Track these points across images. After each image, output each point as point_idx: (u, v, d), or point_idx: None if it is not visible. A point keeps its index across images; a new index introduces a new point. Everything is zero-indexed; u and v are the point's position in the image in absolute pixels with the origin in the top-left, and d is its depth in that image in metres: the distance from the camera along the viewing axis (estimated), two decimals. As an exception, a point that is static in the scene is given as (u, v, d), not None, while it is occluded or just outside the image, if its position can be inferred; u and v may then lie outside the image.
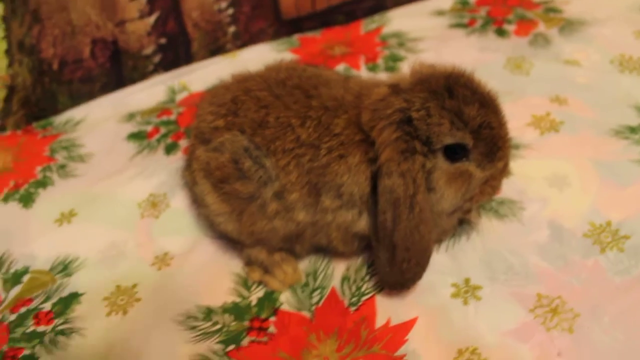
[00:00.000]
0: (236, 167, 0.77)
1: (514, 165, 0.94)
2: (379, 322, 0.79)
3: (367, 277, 0.84)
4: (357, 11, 1.38)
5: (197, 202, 0.87)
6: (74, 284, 0.89)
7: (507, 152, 0.76)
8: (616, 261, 0.81)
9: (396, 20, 1.36)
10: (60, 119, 1.21)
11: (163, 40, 1.22)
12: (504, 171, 0.78)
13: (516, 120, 1.01)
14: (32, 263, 0.93)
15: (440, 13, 1.37)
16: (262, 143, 0.77)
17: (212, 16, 1.24)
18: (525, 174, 0.94)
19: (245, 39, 1.31)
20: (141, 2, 1.16)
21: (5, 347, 0.81)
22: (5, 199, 1.04)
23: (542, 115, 1.05)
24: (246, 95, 0.81)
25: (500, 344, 0.74)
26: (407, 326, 0.77)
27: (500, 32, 1.28)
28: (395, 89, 0.74)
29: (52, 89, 1.18)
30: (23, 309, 0.86)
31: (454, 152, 0.73)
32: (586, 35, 1.22)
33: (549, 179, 0.94)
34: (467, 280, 0.81)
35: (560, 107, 1.06)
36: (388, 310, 0.80)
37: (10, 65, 1.12)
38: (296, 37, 1.34)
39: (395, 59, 1.24)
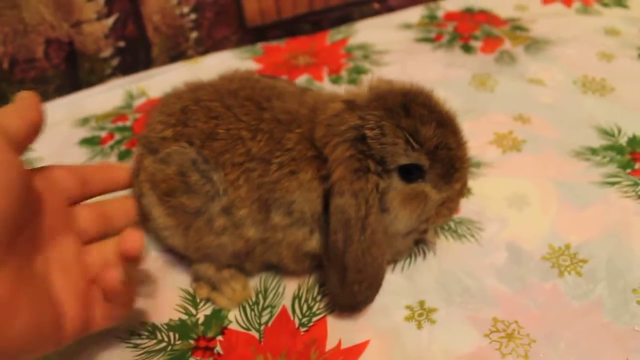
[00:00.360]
0: (183, 180, 0.73)
1: (474, 184, 0.95)
2: (330, 344, 0.75)
3: (319, 297, 0.81)
4: (323, 21, 1.36)
5: (143, 214, 0.83)
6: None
7: (464, 173, 0.74)
8: (574, 285, 0.80)
9: (362, 32, 1.35)
10: (10, 120, 1.15)
11: (122, 44, 1.18)
12: (462, 192, 0.76)
13: (478, 138, 1.02)
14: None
15: (407, 26, 1.36)
16: (210, 156, 0.73)
17: (174, 20, 1.21)
18: (485, 194, 0.93)
19: (208, 46, 1.28)
20: (99, 3, 1.11)
21: None
22: None
23: (505, 134, 1.04)
24: (196, 105, 0.77)
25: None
26: (358, 349, 0.74)
27: (467, 48, 1.27)
28: (350, 104, 0.72)
29: (2, 88, 1.13)
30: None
31: (409, 173, 0.70)
32: (551, 54, 1.23)
33: (508, 198, 0.92)
34: (421, 303, 0.79)
35: (524, 126, 1.06)
36: (339, 332, 0.76)
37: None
38: (260, 46, 1.31)
39: (359, 71, 1.22)
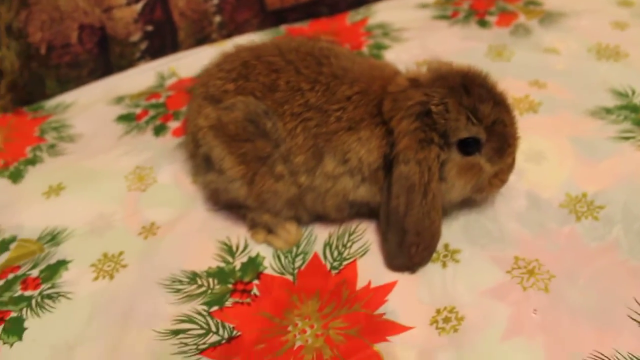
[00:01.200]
0: (253, 126, 0.79)
1: None
2: (360, 284, 0.80)
3: (349, 244, 0.86)
4: (340, 4, 1.41)
5: (200, 170, 0.88)
6: (62, 252, 0.90)
7: (515, 149, 0.81)
8: (591, 228, 0.83)
9: (381, 12, 1.40)
10: (50, 103, 1.22)
11: (150, 28, 1.25)
12: (512, 166, 0.82)
13: None
14: (20, 233, 0.94)
15: (423, 6, 1.40)
16: (271, 106, 0.79)
17: (198, 5, 1.27)
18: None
19: (231, 29, 1.34)
20: (130, -12, 1.19)
21: (-9, 311, 0.82)
22: (13, 175, 1.06)
23: (521, 98, 1.08)
24: (257, 60, 0.83)
25: (477, 302, 0.75)
26: (387, 288, 0.79)
27: (482, 23, 1.31)
28: (414, 82, 0.78)
29: (40, 73, 1.20)
30: (11, 275, 0.87)
31: (467, 146, 0.77)
32: (565, 26, 1.26)
33: (525, 153, 0.94)
34: (446, 246, 0.83)
35: (540, 90, 1.09)
36: (369, 273, 0.81)
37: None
38: (283, 28, 1.37)
39: (380, 47, 1.27)
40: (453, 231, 0.85)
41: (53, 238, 0.92)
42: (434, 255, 0.82)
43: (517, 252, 0.81)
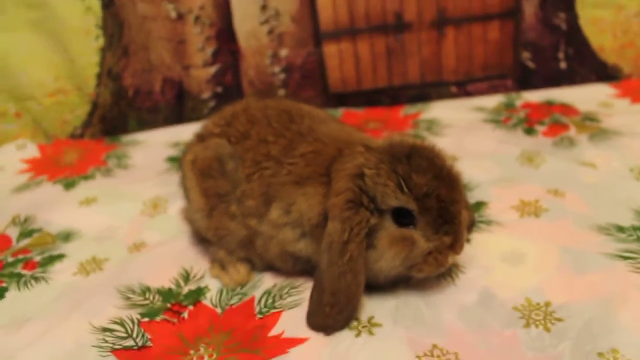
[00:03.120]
0: (219, 165, 0.89)
1: (477, 236, 0.95)
2: (274, 332, 0.81)
3: (286, 296, 0.87)
4: (401, 96, 1.48)
5: (185, 198, 0.99)
6: (66, 248, 1.05)
7: (456, 229, 0.77)
8: (537, 338, 0.75)
9: (436, 109, 1.44)
10: (127, 138, 1.46)
11: (219, 89, 1.43)
12: (453, 248, 0.78)
13: (501, 203, 1.03)
14: (46, 226, 1.12)
15: (481, 109, 1.42)
16: (239, 151, 0.88)
17: (266, 77, 1.43)
18: (483, 246, 0.93)
19: (295, 103, 1.48)
20: (207, 53, 1.39)
21: (-12, 278, 0.98)
22: (55, 182, 1.28)
23: (530, 201, 1.03)
24: (243, 112, 0.94)
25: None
26: (295, 342, 0.78)
27: (529, 131, 1.29)
28: (367, 148, 0.82)
29: (125, 112, 1.44)
30: (20, 256, 1.03)
31: (402, 217, 0.77)
32: (615, 144, 1.19)
33: (505, 253, 0.90)
34: (370, 318, 0.80)
35: (554, 198, 1.03)
36: (288, 325, 0.81)
37: (97, 86, 1.41)
38: (341, 110, 1.48)
39: (415, 137, 1.31)
40: (384, 306, 0.82)
41: (66, 236, 1.08)
42: (354, 323, 0.80)
43: (439, 341, 0.76)
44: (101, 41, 1.37)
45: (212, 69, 1.41)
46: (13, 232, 1.11)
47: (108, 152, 1.38)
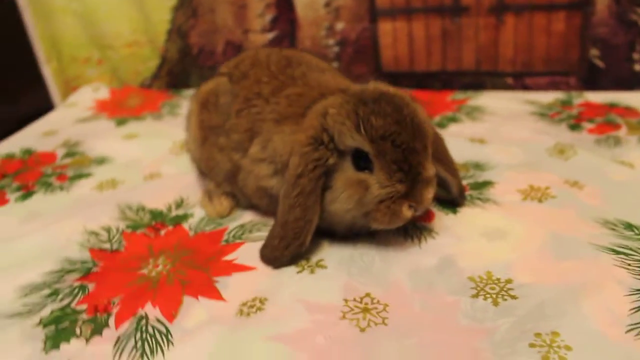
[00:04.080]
0: (215, 99, 0.95)
1: (467, 210, 0.90)
2: (228, 257, 0.84)
3: (255, 231, 0.90)
4: (454, 82, 1.44)
5: (186, 129, 1.06)
6: (96, 170, 1.19)
7: (412, 179, 0.74)
8: (480, 309, 0.70)
9: (485, 98, 1.37)
10: (187, 92, 1.56)
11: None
12: (407, 198, 0.75)
13: (510, 185, 0.98)
14: (88, 151, 1.26)
15: (532, 103, 1.33)
16: (235, 89, 0.93)
17: (321, 49, 1.46)
18: (468, 220, 0.89)
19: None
20: (265, 20, 1.46)
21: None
22: (111, 119, 1.43)
23: (540, 187, 0.95)
24: (251, 57, 0.99)
25: (289, 305, 0.73)
26: (242, 268, 0.81)
27: (574, 127, 1.18)
28: (342, 91, 0.81)
29: (189, 68, 1.55)
30: (58, 171, 1.18)
31: (360, 160, 0.75)
32: (669, 147, 1.06)
33: (486, 228, 0.85)
34: (319, 260, 0.81)
35: (569, 189, 0.95)
36: (244, 254, 0.84)
37: (166, 41, 1.53)
38: (389, 89, 1.47)
39: (451, 119, 1.26)
40: (338, 253, 0.82)
41: (101, 161, 1.21)
42: (303, 262, 0.80)
43: (375, 291, 0.74)
44: (174, 0, 1.50)
45: (270, 35, 1.48)
46: (61, 151, 1.26)
47: (164, 101, 1.50)
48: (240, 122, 0.89)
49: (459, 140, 1.15)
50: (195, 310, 0.74)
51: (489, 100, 1.36)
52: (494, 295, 0.72)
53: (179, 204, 1.00)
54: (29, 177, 1.14)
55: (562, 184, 0.96)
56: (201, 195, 1.00)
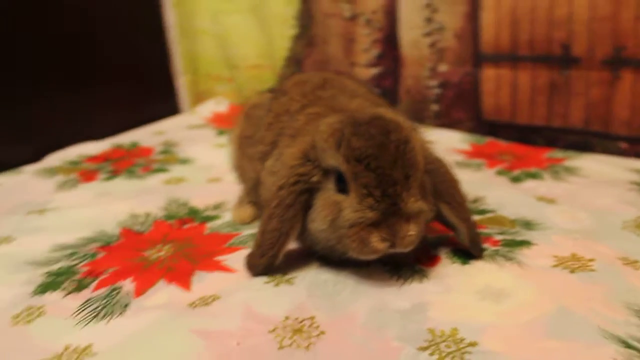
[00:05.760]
0: (254, 110, 1.01)
1: (479, 264, 0.81)
2: (219, 259, 0.86)
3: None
4: (558, 140, 1.29)
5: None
6: (179, 169, 1.29)
7: (386, 208, 0.69)
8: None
9: (586, 160, 1.21)
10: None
11: (377, 91, 1.49)
12: (379, 230, 0.70)
13: (549, 248, 0.88)
14: (179, 153, 1.39)
15: (637, 171, 1.13)
16: (273, 105, 0.98)
17: (422, 89, 1.43)
18: (474, 272, 0.79)
19: (445, 122, 1.43)
20: (371, 54, 1.48)
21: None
22: (220, 132, 1.56)
23: (582, 257, 0.81)
24: (300, 77, 1.04)
25: (233, 307, 0.73)
26: (225, 269, 0.83)
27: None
28: (344, 111, 0.81)
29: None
30: (155, 165, 1.32)
31: (340, 182, 0.73)
32: None
33: (486, 286, 0.75)
34: (291, 278, 0.79)
35: (618, 266, 0.79)
36: (236, 258, 0.85)
37: (283, 67, 1.64)
38: (486, 138, 1.37)
39: (530, 175, 1.14)
40: (314, 274, 0.80)
41: (184, 161, 1.33)
42: (279, 274, 0.80)
43: (321, 317, 0.70)
44: (294, 30, 1.60)
45: (374, 71, 1.49)
46: (158, 148, 1.43)
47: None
48: (267, 135, 0.92)
49: (524, 196, 1.04)
50: (160, 293, 0.78)
51: (589, 162, 1.19)
52: (444, 354, 0.64)
53: (217, 206, 1.07)
54: (123, 164, 1.31)
55: (612, 259, 0.81)
56: (235, 201, 1.05)
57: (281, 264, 0.81)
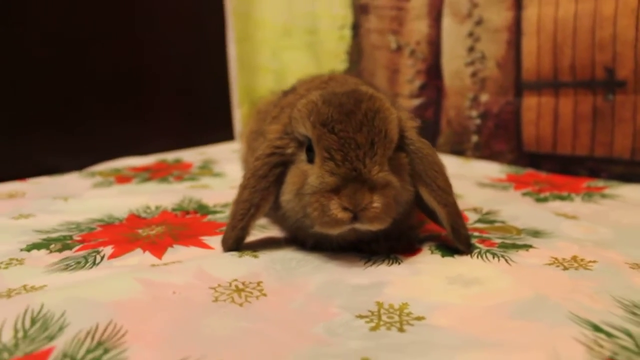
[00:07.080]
0: (263, 108, 1.05)
1: (461, 258, 0.76)
2: (204, 237, 0.87)
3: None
4: (602, 171, 1.17)
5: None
6: (209, 180, 1.33)
7: (344, 173, 0.67)
8: (347, 328, 0.58)
9: (628, 189, 1.08)
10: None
11: (418, 122, 1.46)
12: (339, 197, 0.67)
13: (548, 252, 0.81)
14: (216, 168, 1.44)
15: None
16: (281, 101, 1.01)
17: (463, 119, 1.38)
18: (448, 263, 0.74)
19: (485, 154, 1.36)
20: (415, 85, 1.46)
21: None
22: None
23: (583, 259, 0.72)
24: (310, 78, 1.05)
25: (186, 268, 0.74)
26: (203, 245, 0.83)
27: None
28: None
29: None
30: (186, 175, 1.38)
31: (310, 152, 0.72)
32: None
33: (459, 275, 0.69)
34: (258, 253, 0.77)
35: (624, 269, 0.70)
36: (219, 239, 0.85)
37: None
38: (525, 169, 1.28)
39: (559, 197, 1.04)
40: (282, 253, 0.77)
41: (217, 175, 1.38)
42: (249, 250, 0.78)
43: (269, 282, 0.68)
44: (345, 64, 1.64)
45: (416, 101, 1.47)
46: (197, 164, 1.48)
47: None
48: (271, 126, 0.94)
49: (542, 211, 0.96)
50: (132, 258, 0.79)
51: (632, 192, 1.07)
52: (380, 322, 0.59)
53: (227, 204, 1.08)
54: (160, 174, 1.38)
55: (619, 264, 0.72)
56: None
57: (256, 244, 0.81)
